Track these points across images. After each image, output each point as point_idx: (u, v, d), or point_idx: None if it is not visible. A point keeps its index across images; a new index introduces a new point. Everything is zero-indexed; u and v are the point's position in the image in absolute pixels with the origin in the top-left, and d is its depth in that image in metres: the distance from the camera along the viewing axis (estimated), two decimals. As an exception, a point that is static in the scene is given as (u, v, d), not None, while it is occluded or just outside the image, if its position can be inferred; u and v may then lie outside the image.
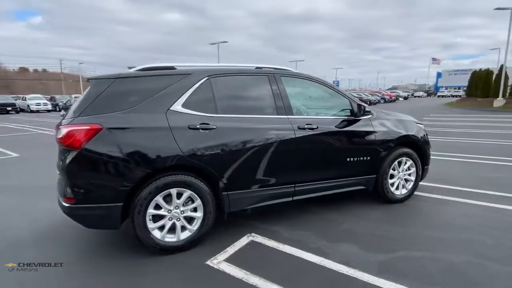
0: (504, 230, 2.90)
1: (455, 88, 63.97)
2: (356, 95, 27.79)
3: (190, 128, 2.51)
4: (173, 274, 2.27)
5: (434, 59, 73.22)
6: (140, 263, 2.40)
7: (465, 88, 53.91)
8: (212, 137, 2.57)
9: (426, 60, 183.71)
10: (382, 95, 40.91)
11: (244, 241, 2.74)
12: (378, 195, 3.60)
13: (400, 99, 45.74)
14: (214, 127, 2.58)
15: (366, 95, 35.68)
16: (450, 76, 77.31)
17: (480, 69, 31.00)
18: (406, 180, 3.71)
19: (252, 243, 2.70)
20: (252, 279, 2.16)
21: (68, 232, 2.94)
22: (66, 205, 2.29)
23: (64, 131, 2.27)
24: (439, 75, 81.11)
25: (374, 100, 33.94)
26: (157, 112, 2.48)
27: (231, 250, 2.59)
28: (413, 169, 3.71)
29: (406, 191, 3.71)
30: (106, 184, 2.31)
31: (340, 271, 2.25)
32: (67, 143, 2.26)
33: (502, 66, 22.80)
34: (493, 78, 26.03)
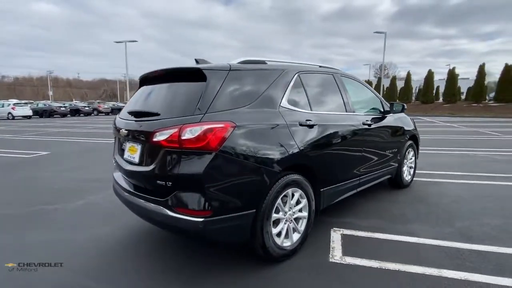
0: (498, 198, 3.83)
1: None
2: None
3: (300, 125, 2.42)
4: (309, 276, 2.14)
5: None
6: (262, 272, 2.16)
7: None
8: (314, 134, 2.53)
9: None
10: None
11: (336, 236, 2.77)
12: (394, 182, 4.17)
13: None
14: (316, 124, 2.55)
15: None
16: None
17: (361, 80, 38.09)
18: (410, 168, 4.40)
19: (346, 236, 2.76)
20: (389, 265, 2.26)
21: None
22: (199, 220, 1.85)
23: (196, 130, 1.86)
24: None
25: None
26: (272, 108, 2.30)
27: (336, 245, 2.59)
28: (413, 158, 4.45)
29: (410, 177, 4.40)
30: (242, 189, 2.00)
31: (442, 245, 2.57)
32: (199, 145, 1.86)
33: (380, 78, 28.63)
34: (373, 87, 32.38)
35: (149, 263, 2.37)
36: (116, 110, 34.22)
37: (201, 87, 2.03)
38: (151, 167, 2.04)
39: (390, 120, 3.78)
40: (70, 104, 30.34)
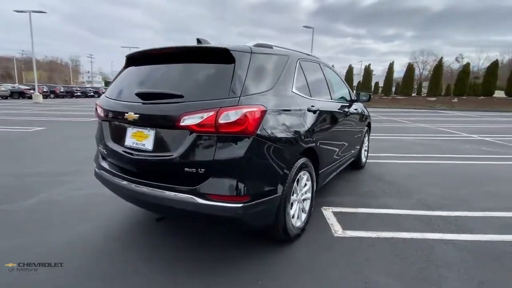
0: (432, 173, 4.65)
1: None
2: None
3: (308, 111, 2.52)
4: (324, 251, 2.32)
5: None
6: (280, 251, 2.26)
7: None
8: (317, 119, 2.68)
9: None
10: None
11: (328, 213, 3.02)
12: (355, 164, 4.67)
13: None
14: (318, 110, 2.69)
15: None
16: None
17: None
18: (365, 151, 4.98)
19: (337, 213, 3.03)
20: (384, 234, 2.60)
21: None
22: (239, 205, 1.81)
23: (235, 114, 1.80)
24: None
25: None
26: (287, 93, 2.34)
27: (333, 222, 2.83)
28: (367, 142, 5.04)
29: (365, 159, 4.99)
30: (273, 173, 2.02)
31: (413, 214, 3.05)
32: (238, 129, 1.81)
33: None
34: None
35: (151, 261, 2.21)
36: (16, 94, 28.73)
37: (229, 69, 1.95)
38: (176, 153, 1.89)
39: (357, 107, 4.20)
40: (-50, 84, 24.15)
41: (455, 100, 25.18)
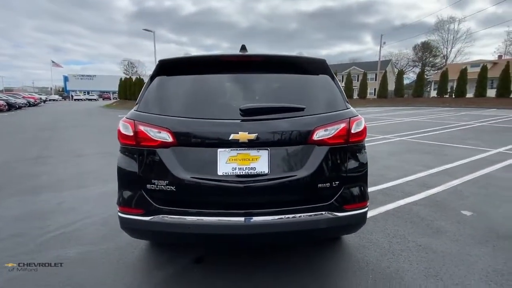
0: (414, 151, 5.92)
1: (85, 92, 69.21)
2: None
3: None
4: (367, 234, 2.73)
5: (54, 63, 72.32)
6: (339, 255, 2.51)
7: (96, 92, 63.50)
8: None
9: (38, 61, 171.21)
10: (23, 97, 34.87)
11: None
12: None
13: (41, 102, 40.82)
14: None
15: (7, 97, 28.64)
16: (77, 80, 79.82)
17: (126, 78, 36.65)
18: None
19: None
20: (380, 209, 3.30)
21: None
22: (366, 209, 1.93)
23: (361, 123, 1.90)
24: (66, 78, 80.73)
25: (21, 103, 28.64)
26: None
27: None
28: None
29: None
30: None
31: (372, 190, 3.94)
32: (362, 138, 1.93)
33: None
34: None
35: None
36: None
37: (329, 80, 2.00)
38: (305, 171, 1.76)
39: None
40: None
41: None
